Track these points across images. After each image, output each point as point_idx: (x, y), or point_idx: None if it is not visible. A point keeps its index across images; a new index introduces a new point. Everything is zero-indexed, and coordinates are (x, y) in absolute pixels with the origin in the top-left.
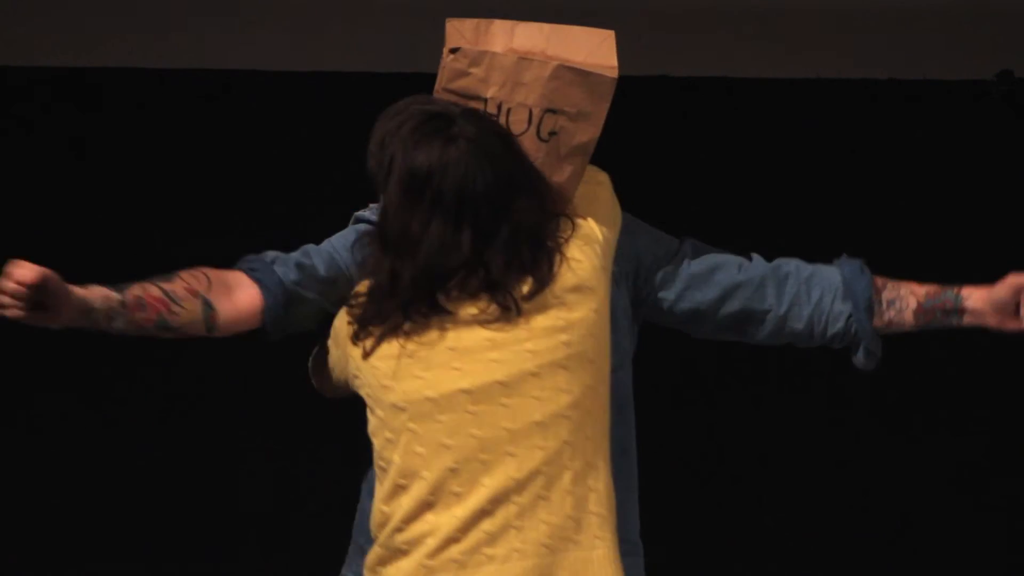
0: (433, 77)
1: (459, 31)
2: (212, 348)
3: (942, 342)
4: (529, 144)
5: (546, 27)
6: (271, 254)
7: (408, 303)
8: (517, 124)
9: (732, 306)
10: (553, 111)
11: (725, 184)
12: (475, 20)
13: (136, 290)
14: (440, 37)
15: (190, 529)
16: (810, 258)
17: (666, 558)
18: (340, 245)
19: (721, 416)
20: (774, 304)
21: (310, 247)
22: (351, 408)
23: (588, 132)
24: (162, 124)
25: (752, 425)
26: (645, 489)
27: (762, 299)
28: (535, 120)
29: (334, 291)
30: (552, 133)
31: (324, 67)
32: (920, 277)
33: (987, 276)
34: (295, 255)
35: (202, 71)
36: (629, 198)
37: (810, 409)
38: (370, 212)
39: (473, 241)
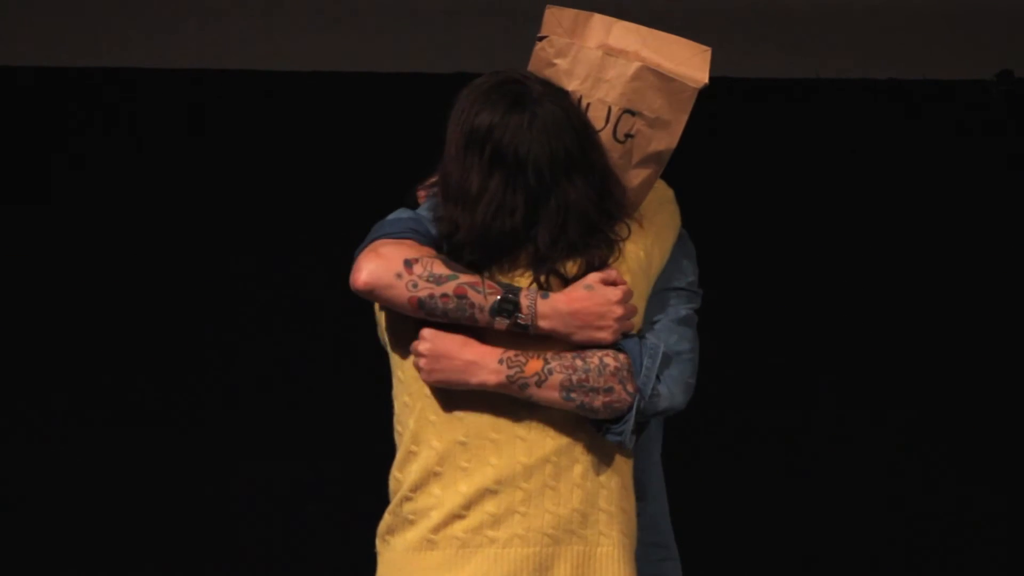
0: (435, 77)
1: (557, 19)
2: (211, 348)
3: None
4: (604, 141)
5: (644, 30)
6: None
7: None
8: (595, 120)
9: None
10: (632, 112)
11: (725, 184)
12: (575, 10)
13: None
14: (440, 37)
15: (191, 532)
16: (809, 258)
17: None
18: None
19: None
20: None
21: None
22: (354, 408)
23: (664, 141)
24: (162, 124)
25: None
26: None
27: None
28: (612, 119)
29: None
30: (628, 136)
31: (324, 67)
32: (920, 277)
33: (986, 276)
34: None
35: (202, 71)
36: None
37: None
38: (407, 212)
39: (525, 208)
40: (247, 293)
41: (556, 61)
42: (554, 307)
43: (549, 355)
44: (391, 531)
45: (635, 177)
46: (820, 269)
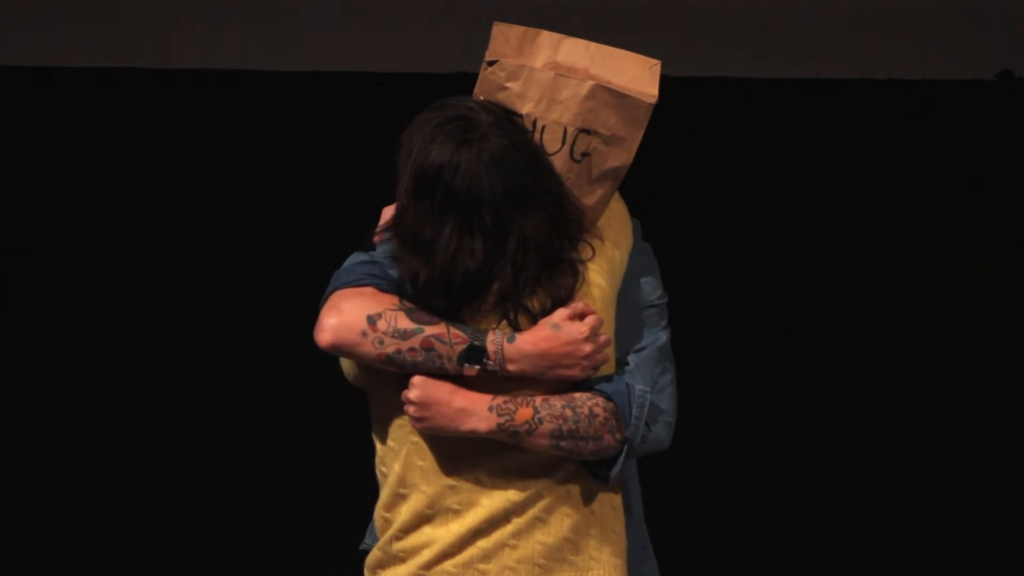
0: (435, 77)
1: (505, 36)
2: (213, 349)
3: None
4: (561, 163)
5: (592, 46)
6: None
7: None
8: (551, 143)
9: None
10: (587, 131)
11: (724, 184)
12: (523, 28)
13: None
14: (438, 38)
15: (191, 532)
16: (808, 258)
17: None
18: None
19: (730, 422)
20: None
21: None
22: (352, 408)
23: (620, 157)
24: (161, 124)
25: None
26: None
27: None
28: (569, 139)
29: None
30: (584, 154)
31: (324, 67)
32: (919, 278)
33: (986, 276)
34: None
35: (202, 71)
36: (629, 199)
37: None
38: (367, 255)
39: (484, 249)
40: (247, 293)
41: (508, 84)
42: (520, 350)
43: (538, 402)
44: (381, 566)
45: (592, 195)
46: (820, 269)
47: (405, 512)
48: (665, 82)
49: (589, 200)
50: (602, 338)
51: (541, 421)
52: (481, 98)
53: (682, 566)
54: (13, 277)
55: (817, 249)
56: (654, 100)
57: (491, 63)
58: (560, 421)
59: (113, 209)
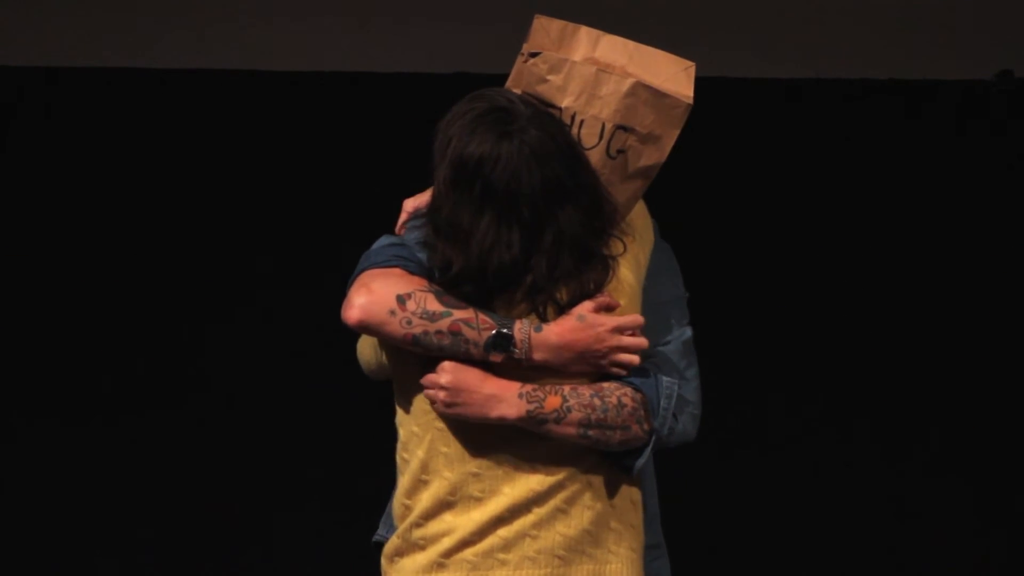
0: (435, 77)
1: (545, 30)
2: (213, 351)
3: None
4: (596, 159)
5: (630, 44)
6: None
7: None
8: (588, 137)
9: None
10: (624, 128)
11: (724, 184)
12: (563, 22)
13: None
14: (438, 37)
15: (191, 531)
16: (807, 258)
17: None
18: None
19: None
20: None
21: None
22: (352, 407)
23: (654, 156)
24: (161, 124)
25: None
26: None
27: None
28: (606, 135)
29: None
30: (620, 151)
31: (324, 67)
32: (919, 278)
33: (986, 276)
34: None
35: (203, 71)
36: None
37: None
38: (391, 238)
39: (522, 242)
40: (248, 293)
41: (549, 77)
42: (546, 340)
43: (567, 391)
44: (399, 553)
45: (624, 192)
46: (820, 269)
47: (426, 499)
48: None
49: (621, 196)
50: (628, 335)
51: (570, 410)
52: (517, 90)
53: (696, 567)
54: (13, 278)
55: (817, 248)
56: (691, 101)
57: (533, 55)
58: (588, 410)
59: (113, 209)
